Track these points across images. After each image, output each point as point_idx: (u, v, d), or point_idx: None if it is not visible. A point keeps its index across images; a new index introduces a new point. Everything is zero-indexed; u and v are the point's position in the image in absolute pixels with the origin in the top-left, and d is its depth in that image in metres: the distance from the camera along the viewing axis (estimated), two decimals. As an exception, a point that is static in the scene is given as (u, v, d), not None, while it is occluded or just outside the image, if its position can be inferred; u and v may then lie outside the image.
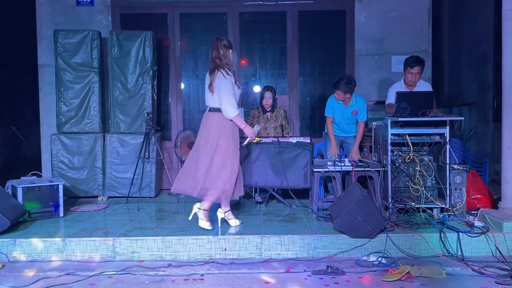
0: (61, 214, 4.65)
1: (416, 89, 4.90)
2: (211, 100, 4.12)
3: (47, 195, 4.60)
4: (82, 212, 4.91)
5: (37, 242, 3.79)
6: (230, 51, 4.15)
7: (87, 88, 5.79)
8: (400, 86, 4.93)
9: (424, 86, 4.94)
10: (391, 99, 4.90)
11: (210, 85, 4.08)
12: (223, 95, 4.01)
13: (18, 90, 7.04)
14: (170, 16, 6.40)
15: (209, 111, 4.15)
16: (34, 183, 4.59)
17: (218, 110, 4.07)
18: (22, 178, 4.83)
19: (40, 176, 5.15)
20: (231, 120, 4.07)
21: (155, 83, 5.96)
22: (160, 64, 6.26)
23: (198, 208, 4.08)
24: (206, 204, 4.11)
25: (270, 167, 4.88)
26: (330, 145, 5.21)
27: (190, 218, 4.14)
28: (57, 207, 4.63)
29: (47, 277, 3.34)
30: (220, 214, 4.20)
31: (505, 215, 3.97)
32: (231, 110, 4.02)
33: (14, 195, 4.48)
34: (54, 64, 5.81)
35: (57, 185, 4.66)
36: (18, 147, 7.10)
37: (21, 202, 4.42)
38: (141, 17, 6.43)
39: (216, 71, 4.05)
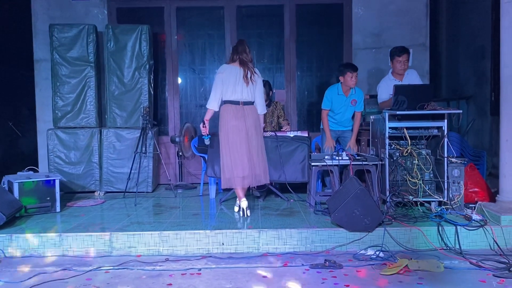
0: (58, 209, 4.63)
1: (405, 77, 4.94)
2: (245, 93, 4.35)
3: (44, 190, 4.57)
4: (79, 207, 4.90)
5: (33, 238, 3.77)
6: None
7: (83, 82, 5.75)
8: (389, 79, 4.96)
9: (412, 73, 5.01)
10: (383, 97, 4.90)
11: (247, 77, 4.30)
12: (261, 92, 4.46)
13: (14, 85, 7.00)
14: (167, 10, 6.35)
15: (245, 104, 4.37)
16: (30, 178, 4.57)
17: (253, 103, 4.43)
18: (18, 173, 4.80)
19: (37, 171, 5.13)
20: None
21: (152, 77, 5.93)
22: (156, 58, 6.21)
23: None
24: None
25: (267, 161, 4.85)
26: (326, 138, 5.19)
27: (246, 215, 4.29)
28: (54, 202, 4.62)
29: (44, 272, 3.33)
30: (244, 203, 4.34)
31: (503, 208, 3.97)
32: (265, 107, 4.58)
33: (11, 190, 4.46)
34: (50, 58, 5.76)
35: (54, 180, 4.64)
36: (15, 142, 7.07)
37: (17, 198, 4.39)
38: (137, 11, 6.38)
39: (252, 65, 4.39)
